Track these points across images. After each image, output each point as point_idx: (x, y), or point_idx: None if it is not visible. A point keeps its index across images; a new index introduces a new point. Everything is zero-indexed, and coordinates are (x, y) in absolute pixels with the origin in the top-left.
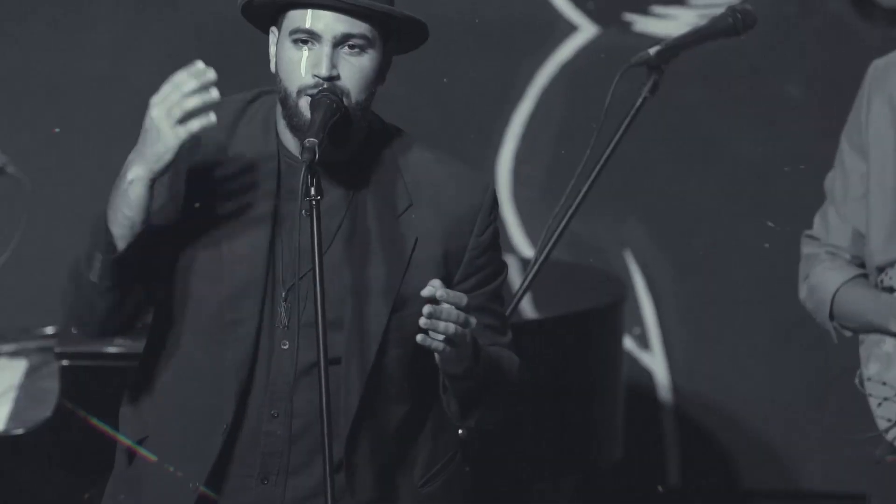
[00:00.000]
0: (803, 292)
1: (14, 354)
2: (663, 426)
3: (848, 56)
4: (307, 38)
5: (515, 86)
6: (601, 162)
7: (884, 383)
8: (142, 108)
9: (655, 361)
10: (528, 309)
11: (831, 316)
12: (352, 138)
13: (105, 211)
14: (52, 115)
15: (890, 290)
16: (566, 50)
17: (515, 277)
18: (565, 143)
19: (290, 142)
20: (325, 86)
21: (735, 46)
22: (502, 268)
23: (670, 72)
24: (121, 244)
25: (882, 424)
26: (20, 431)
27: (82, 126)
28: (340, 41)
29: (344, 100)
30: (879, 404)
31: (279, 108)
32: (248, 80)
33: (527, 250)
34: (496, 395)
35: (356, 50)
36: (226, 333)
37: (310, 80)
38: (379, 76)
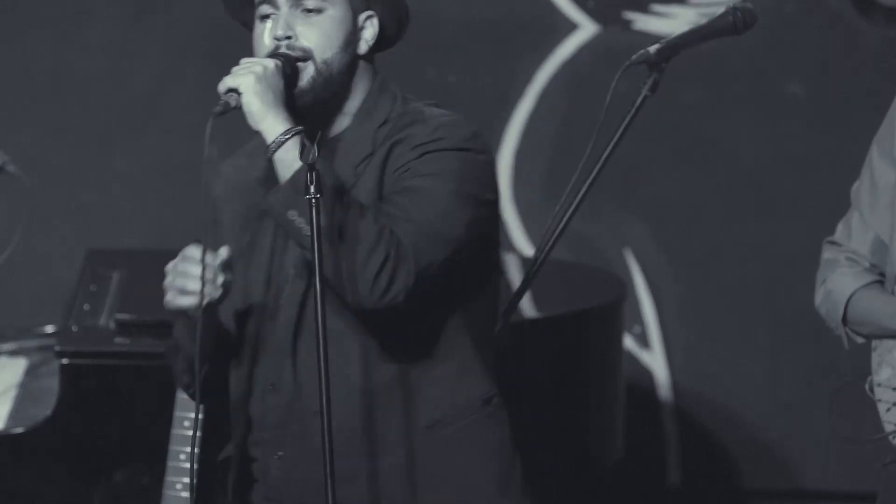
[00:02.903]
0: (819, 297)
1: (14, 353)
2: (663, 425)
3: (848, 56)
4: (268, 10)
5: (515, 84)
6: (601, 161)
7: (894, 389)
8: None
9: (655, 360)
10: (528, 308)
11: (844, 320)
12: (335, 103)
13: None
14: (52, 115)
15: None
16: (566, 48)
17: (515, 277)
18: (565, 142)
19: None
20: (282, 44)
21: (735, 45)
22: (426, 177)
23: (670, 71)
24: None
25: (889, 430)
26: (20, 431)
27: (82, 125)
28: (294, 3)
29: (303, 56)
30: (888, 409)
31: None
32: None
33: (527, 249)
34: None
35: (313, 12)
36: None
37: (271, 45)
38: (345, 35)
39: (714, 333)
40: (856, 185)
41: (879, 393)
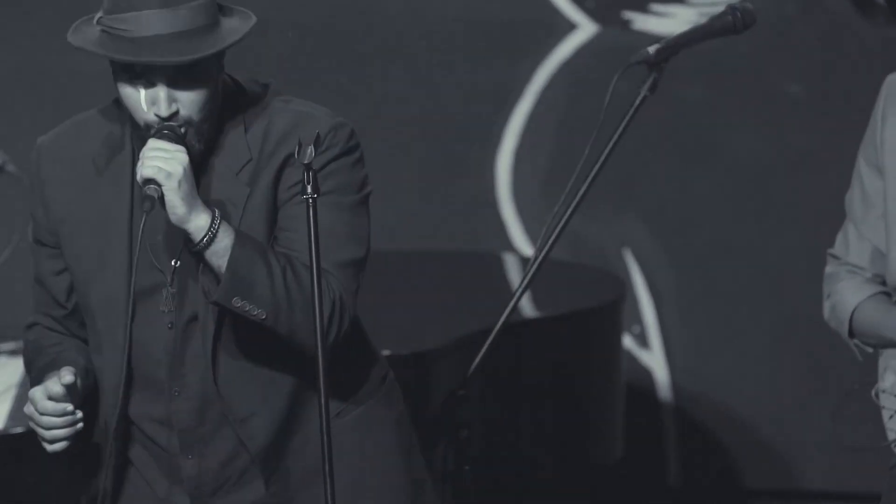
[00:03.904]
0: (826, 311)
1: (14, 353)
2: (663, 425)
3: (848, 56)
4: (145, 83)
5: (515, 84)
6: (601, 160)
7: None
8: None
9: (655, 360)
10: (527, 308)
11: (851, 334)
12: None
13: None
14: (52, 115)
15: None
16: (566, 48)
17: (515, 276)
18: (565, 142)
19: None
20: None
21: (735, 45)
22: (326, 198)
23: (670, 70)
24: None
25: (892, 437)
26: (20, 431)
27: None
28: (171, 82)
29: (187, 123)
30: (891, 416)
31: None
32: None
33: (526, 249)
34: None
35: (191, 84)
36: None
37: (153, 118)
38: (217, 86)
39: (714, 333)
40: (848, 194)
41: (884, 400)
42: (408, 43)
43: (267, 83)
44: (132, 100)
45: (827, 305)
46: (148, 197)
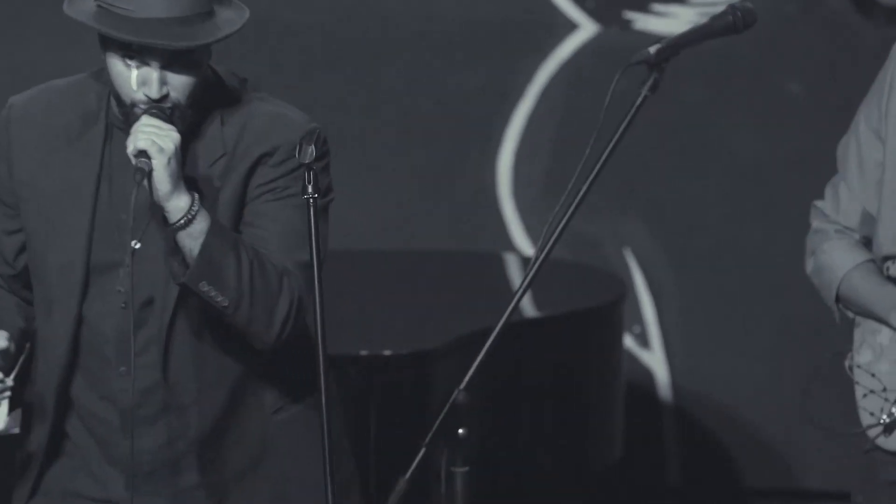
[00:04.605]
0: (810, 267)
1: None
2: (663, 425)
3: (848, 55)
4: (138, 63)
5: (515, 84)
6: (601, 161)
7: (872, 375)
8: None
9: (655, 360)
10: (528, 307)
11: (837, 298)
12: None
13: None
14: None
15: (895, 282)
16: (566, 48)
17: (516, 276)
18: (565, 142)
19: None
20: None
21: (735, 45)
22: (295, 199)
23: (670, 70)
24: None
25: (865, 417)
26: (18, 431)
27: None
28: (166, 64)
29: (176, 106)
30: (865, 395)
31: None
32: (248, 78)
33: (527, 249)
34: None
35: (182, 68)
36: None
37: (143, 98)
38: (204, 72)
39: (714, 333)
40: (842, 143)
41: (858, 375)
42: (408, 42)
43: (245, 78)
44: (122, 77)
45: (811, 262)
46: (139, 169)
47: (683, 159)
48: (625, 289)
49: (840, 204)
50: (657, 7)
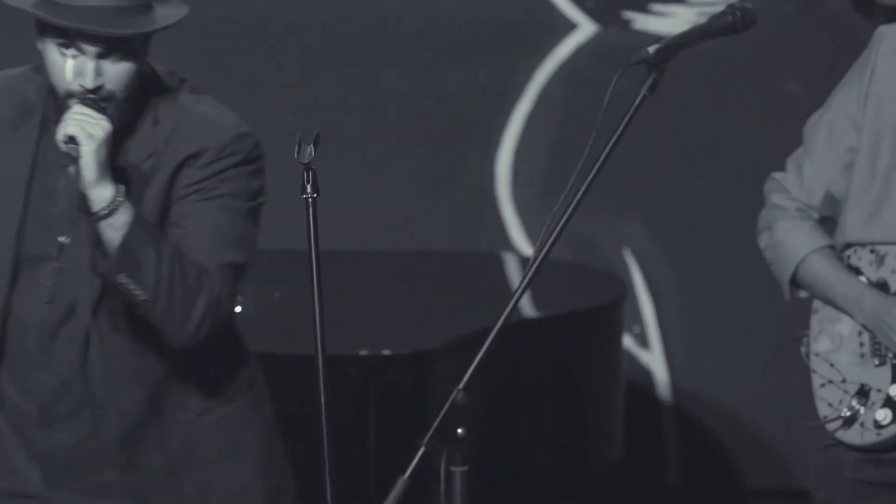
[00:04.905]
0: (764, 241)
1: None
2: (663, 425)
3: (848, 55)
4: (73, 52)
5: (514, 84)
6: (600, 160)
7: (831, 365)
8: None
9: (655, 360)
10: (527, 307)
11: (792, 278)
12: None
13: None
14: None
15: (856, 271)
16: (565, 48)
17: (515, 276)
18: (564, 142)
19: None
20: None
21: (735, 45)
22: (222, 200)
23: (670, 70)
24: None
25: (822, 407)
26: None
27: None
28: (102, 54)
29: (109, 98)
30: (822, 385)
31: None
32: (248, 78)
33: (526, 249)
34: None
35: (118, 59)
36: None
37: (77, 88)
38: (141, 66)
39: (714, 333)
40: (812, 121)
41: (816, 364)
42: (408, 42)
43: (184, 78)
44: (57, 67)
45: (766, 236)
46: (66, 154)
47: (683, 159)
48: (624, 289)
49: (804, 181)
50: (656, 7)
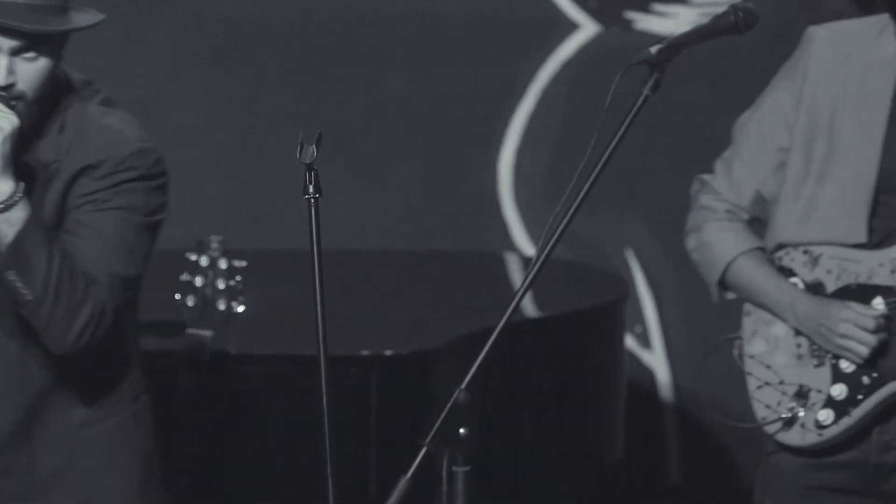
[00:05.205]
0: (692, 242)
1: None
2: (664, 425)
3: None
4: None
5: (516, 84)
6: (602, 160)
7: (768, 367)
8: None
9: (657, 360)
10: (529, 307)
11: (721, 280)
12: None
13: None
14: None
15: (789, 272)
16: (567, 48)
17: (516, 276)
18: (566, 142)
19: None
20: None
21: (736, 45)
22: (116, 213)
23: (672, 70)
24: None
25: (759, 409)
26: None
27: None
28: (16, 51)
29: (20, 96)
30: (759, 387)
31: None
32: (249, 78)
33: (528, 249)
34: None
35: (30, 58)
36: None
37: None
38: (55, 66)
39: (715, 333)
40: (742, 121)
41: (751, 366)
42: (409, 43)
43: (99, 89)
44: None
45: (694, 238)
46: None
47: (685, 159)
48: (626, 289)
49: (733, 182)
50: (658, 7)
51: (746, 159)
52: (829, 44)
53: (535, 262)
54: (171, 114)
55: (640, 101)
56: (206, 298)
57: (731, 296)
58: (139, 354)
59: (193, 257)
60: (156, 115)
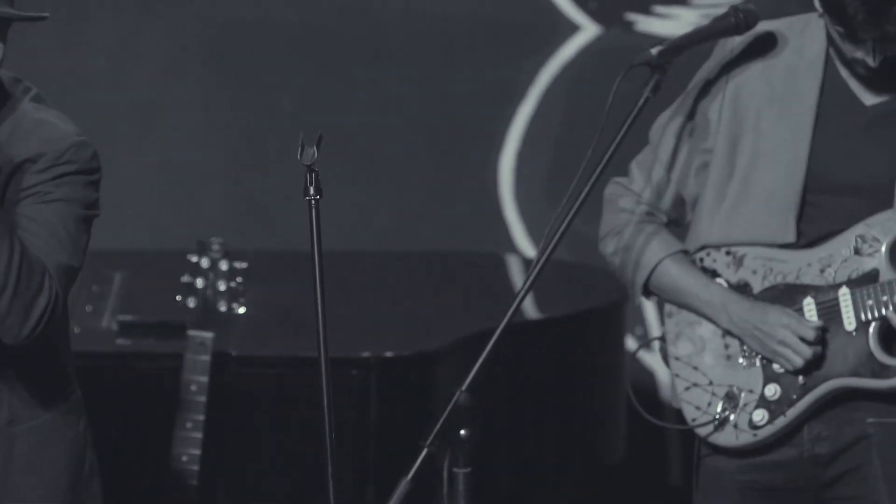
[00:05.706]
0: (610, 246)
1: None
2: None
3: None
4: None
5: (517, 86)
6: (603, 162)
7: (695, 368)
8: (142, 109)
9: (657, 361)
10: (530, 309)
11: (646, 283)
12: None
13: None
14: None
15: (713, 273)
16: (568, 50)
17: (518, 277)
18: (567, 143)
19: None
20: None
21: None
22: (57, 205)
23: (672, 72)
24: None
25: (689, 411)
26: None
27: (82, 127)
28: None
29: None
30: (687, 388)
31: None
32: (250, 79)
33: (529, 250)
34: None
35: None
36: None
37: None
38: None
39: None
40: (660, 122)
41: (677, 368)
42: (410, 44)
43: (30, 87)
44: None
45: (613, 241)
46: None
47: None
48: (626, 290)
49: (652, 185)
50: (659, 9)
51: (667, 161)
52: (750, 43)
53: (536, 264)
54: (171, 114)
55: (640, 103)
56: (207, 300)
57: (652, 298)
58: (70, 352)
59: (194, 259)
60: (156, 115)
